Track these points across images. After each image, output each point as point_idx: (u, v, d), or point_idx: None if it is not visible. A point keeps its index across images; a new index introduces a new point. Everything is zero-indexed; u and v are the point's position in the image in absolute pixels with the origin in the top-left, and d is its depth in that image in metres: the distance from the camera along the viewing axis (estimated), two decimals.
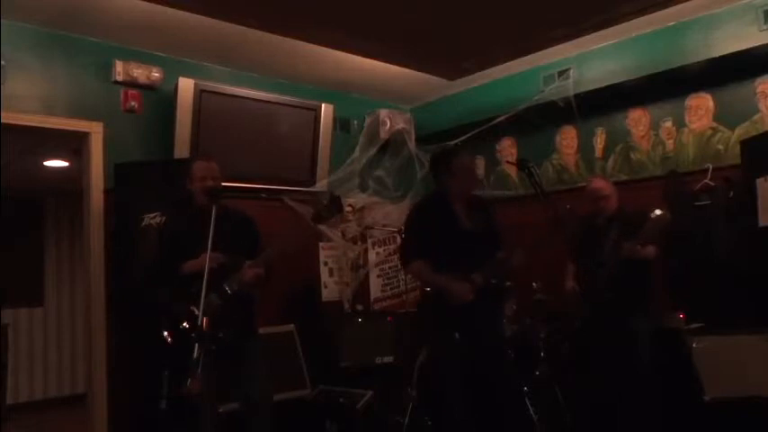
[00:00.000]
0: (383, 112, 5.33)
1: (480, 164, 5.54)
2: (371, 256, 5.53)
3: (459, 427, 3.22)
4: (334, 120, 4.98)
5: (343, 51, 4.46)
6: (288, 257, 3.22)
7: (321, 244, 5.15)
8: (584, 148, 4.89)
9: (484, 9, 3.78)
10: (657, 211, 3.32)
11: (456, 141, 5.12)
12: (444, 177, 3.36)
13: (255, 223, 3.38)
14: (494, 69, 4.95)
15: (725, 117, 4.13)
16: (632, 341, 3.50)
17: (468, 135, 5.02)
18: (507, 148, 5.42)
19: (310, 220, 3.22)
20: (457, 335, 3.16)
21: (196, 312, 2.75)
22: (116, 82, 4.09)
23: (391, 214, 5.43)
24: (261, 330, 3.97)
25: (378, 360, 4.49)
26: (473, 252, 3.22)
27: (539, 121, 4.78)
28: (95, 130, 3.99)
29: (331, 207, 3.14)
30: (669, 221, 3.33)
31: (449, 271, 3.21)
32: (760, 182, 3.50)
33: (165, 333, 3.04)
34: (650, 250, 3.49)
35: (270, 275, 3.19)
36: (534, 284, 4.36)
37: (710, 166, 4.09)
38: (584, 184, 4.79)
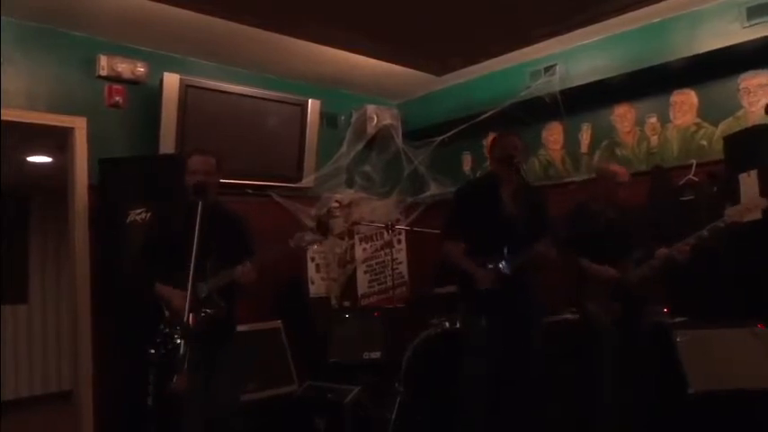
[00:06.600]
0: (370, 108, 5.31)
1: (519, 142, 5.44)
2: (358, 252, 5.54)
3: (474, 413, 3.27)
4: (321, 115, 4.96)
5: (331, 47, 4.45)
6: (275, 254, 3.17)
7: None
8: (571, 143, 4.91)
9: (471, 5, 3.78)
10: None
11: (443, 137, 5.14)
12: (491, 160, 3.53)
13: (245, 224, 3.27)
14: (480, 65, 4.96)
15: (708, 113, 4.17)
16: (652, 336, 3.49)
17: (455, 131, 5.03)
18: None
19: (290, 242, 3.09)
20: (484, 320, 3.21)
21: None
22: (100, 77, 4.05)
23: (378, 210, 5.43)
24: (248, 327, 3.99)
25: (365, 356, 4.49)
26: (510, 237, 3.20)
27: (525, 116, 4.79)
28: (79, 126, 3.95)
29: (316, 232, 3.11)
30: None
31: (484, 253, 3.23)
32: (743, 177, 3.53)
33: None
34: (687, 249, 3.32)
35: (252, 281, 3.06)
36: None
37: (694, 162, 4.13)
38: (569, 179, 4.85)
